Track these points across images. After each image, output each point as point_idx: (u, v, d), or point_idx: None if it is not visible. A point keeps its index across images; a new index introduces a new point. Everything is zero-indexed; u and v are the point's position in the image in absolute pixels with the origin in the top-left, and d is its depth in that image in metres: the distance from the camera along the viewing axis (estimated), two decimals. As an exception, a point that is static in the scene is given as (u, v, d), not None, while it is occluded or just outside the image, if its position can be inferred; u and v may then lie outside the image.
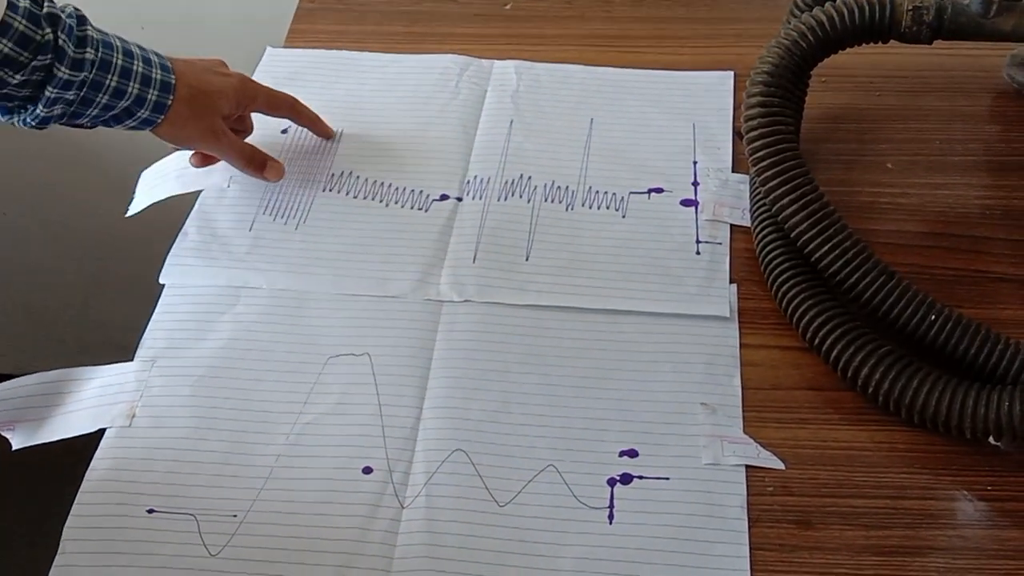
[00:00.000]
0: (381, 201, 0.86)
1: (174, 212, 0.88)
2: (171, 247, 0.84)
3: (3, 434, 0.73)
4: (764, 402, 0.73)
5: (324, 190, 0.87)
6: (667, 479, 0.69)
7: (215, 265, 0.82)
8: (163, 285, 0.81)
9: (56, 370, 0.76)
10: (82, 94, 0.73)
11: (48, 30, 0.70)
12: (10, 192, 1.52)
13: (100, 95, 0.74)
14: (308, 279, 0.81)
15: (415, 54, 0.99)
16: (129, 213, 0.88)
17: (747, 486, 0.69)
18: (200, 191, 0.87)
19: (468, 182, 0.88)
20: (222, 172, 0.88)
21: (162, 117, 0.78)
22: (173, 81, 0.77)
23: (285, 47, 1.01)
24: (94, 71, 0.73)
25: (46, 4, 0.70)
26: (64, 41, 0.70)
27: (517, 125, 0.92)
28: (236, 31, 1.27)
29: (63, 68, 0.71)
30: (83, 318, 1.67)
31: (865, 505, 0.68)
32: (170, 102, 0.77)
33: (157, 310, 0.80)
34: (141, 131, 0.79)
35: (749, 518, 0.67)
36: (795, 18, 0.83)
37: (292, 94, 0.95)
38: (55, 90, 0.71)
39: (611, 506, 0.68)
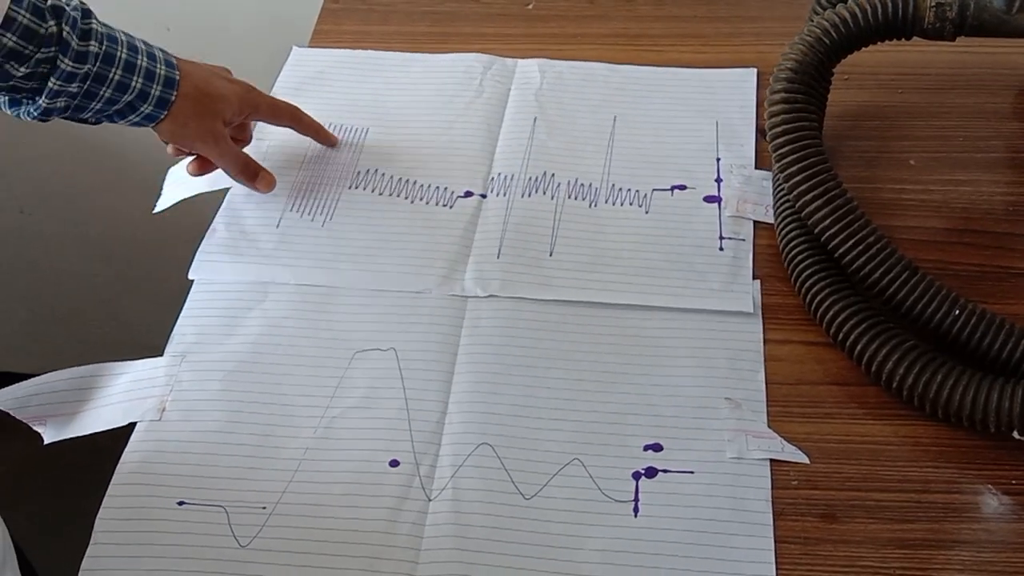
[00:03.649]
0: (406, 198, 0.87)
1: (198, 213, 0.89)
2: (198, 245, 0.85)
3: (35, 428, 0.74)
4: (788, 397, 0.74)
5: (350, 187, 0.88)
6: (692, 473, 0.70)
7: (243, 261, 0.83)
8: (191, 282, 0.83)
9: (87, 365, 0.77)
10: (85, 87, 0.73)
11: (52, 22, 0.70)
12: (36, 194, 1.54)
13: (104, 88, 0.74)
14: (335, 275, 0.82)
15: (439, 53, 1.00)
16: (157, 209, 0.89)
17: (772, 480, 0.69)
18: (228, 188, 0.88)
19: (492, 179, 0.88)
20: (249, 170, 0.89)
21: (165, 113, 0.78)
22: (177, 77, 0.78)
23: (310, 47, 1.02)
24: (98, 64, 0.73)
25: None
26: (68, 33, 0.71)
27: (541, 123, 0.93)
28: (261, 32, 1.29)
29: (67, 60, 0.71)
30: (109, 318, 1.68)
31: (889, 499, 0.68)
32: (174, 98, 0.78)
33: (186, 306, 0.81)
34: (145, 127, 0.79)
35: (774, 512, 0.68)
36: (818, 15, 0.83)
37: (318, 93, 0.96)
38: (58, 82, 0.72)
39: (636, 499, 0.69)
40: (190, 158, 0.85)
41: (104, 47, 0.74)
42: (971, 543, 0.66)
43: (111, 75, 0.74)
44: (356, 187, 0.88)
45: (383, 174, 0.89)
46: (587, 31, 1.03)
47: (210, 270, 0.83)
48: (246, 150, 0.88)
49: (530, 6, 1.06)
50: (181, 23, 1.31)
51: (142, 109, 0.77)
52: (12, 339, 1.71)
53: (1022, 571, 0.65)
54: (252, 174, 0.85)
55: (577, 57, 0.99)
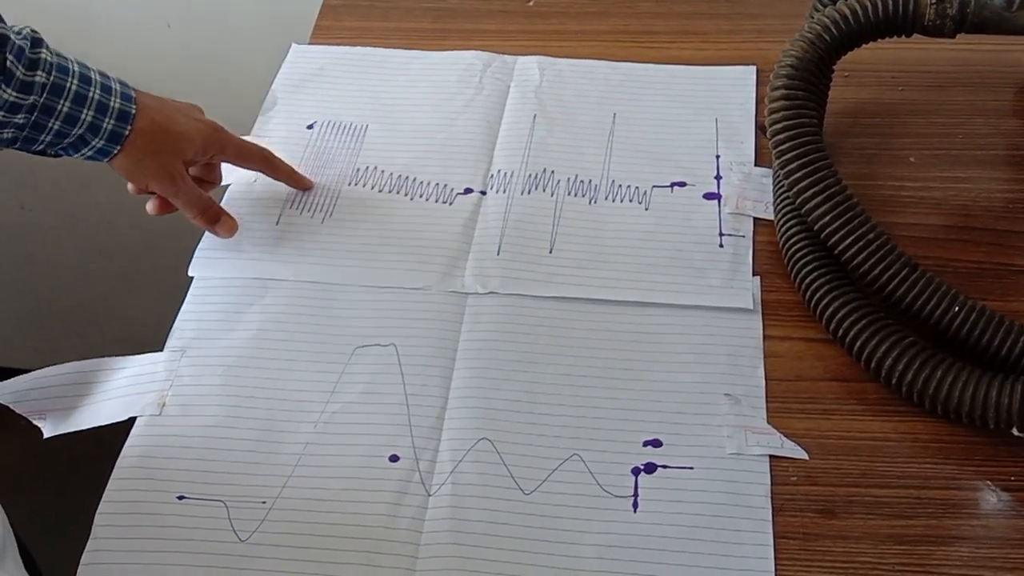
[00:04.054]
0: (406, 195, 0.87)
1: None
2: (198, 242, 0.85)
3: (35, 422, 0.74)
4: (788, 393, 0.74)
5: (350, 184, 0.88)
6: (691, 468, 0.70)
7: (243, 257, 0.83)
8: (191, 278, 0.83)
9: (87, 360, 0.77)
10: (32, 118, 0.71)
11: None
12: (36, 190, 1.54)
13: (52, 120, 0.71)
14: (334, 271, 0.82)
15: (439, 50, 1.00)
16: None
17: (771, 476, 0.69)
18: (227, 185, 0.88)
19: (492, 176, 0.88)
20: (248, 166, 0.89)
21: (118, 148, 0.75)
22: (133, 111, 0.75)
23: (310, 44, 1.02)
24: (44, 95, 0.70)
25: None
26: (12, 63, 0.68)
27: (540, 120, 0.93)
28: (262, 28, 1.28)
29: (9, 90, 0.69)
30: (109, 314, 1.68)
31: (889, 495, 0.68)
32: (127, 132, 0.75)
33: (186, 301, 0.81)
34: (100, 162, 0.76)
35: (773, 507, 0.68)
36: (818, 12, 0.83)
37: (317, 90, 0.96)
38: (1, 113, 0.69)
39: (635, 495, 0.69)
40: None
41: (52, 78, 0.71)
42: (970, 539, 0.67)
43: (59, 107, 0.71)
44: (356, 184, 0.88)
45: (383, 171, 0.89)
46: (588, 28, 1.03)
47: (210, 267, 0.83)
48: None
49: (531, 3, 1.06)
50: (181, 19, 1.31)
51: (93, 143, 0.74)
52: (11, 334, 1.71)
53: (1021, 567, 0.65)
54: (212, 218, 0.82)
55: (578, 54, 0.99)
